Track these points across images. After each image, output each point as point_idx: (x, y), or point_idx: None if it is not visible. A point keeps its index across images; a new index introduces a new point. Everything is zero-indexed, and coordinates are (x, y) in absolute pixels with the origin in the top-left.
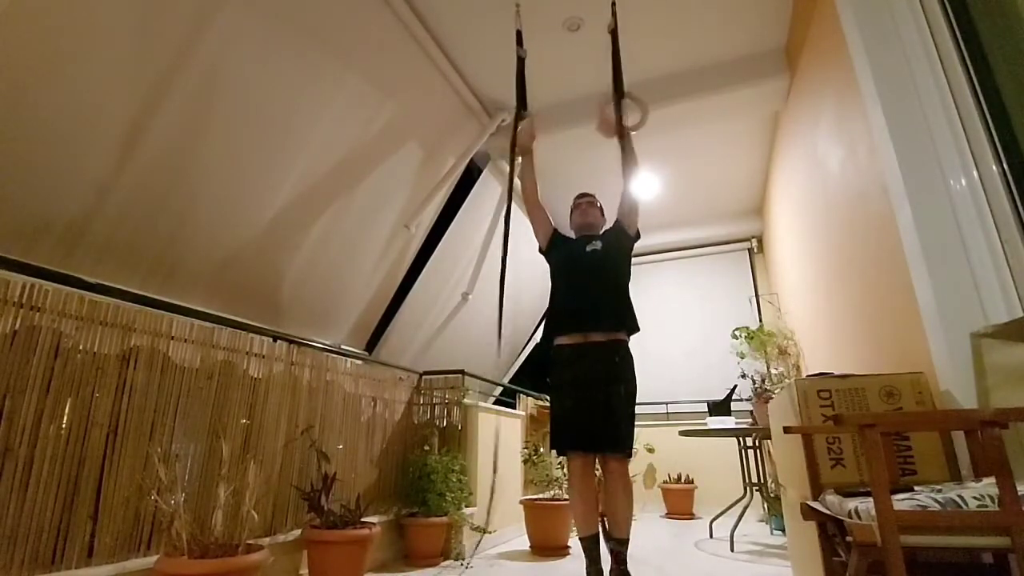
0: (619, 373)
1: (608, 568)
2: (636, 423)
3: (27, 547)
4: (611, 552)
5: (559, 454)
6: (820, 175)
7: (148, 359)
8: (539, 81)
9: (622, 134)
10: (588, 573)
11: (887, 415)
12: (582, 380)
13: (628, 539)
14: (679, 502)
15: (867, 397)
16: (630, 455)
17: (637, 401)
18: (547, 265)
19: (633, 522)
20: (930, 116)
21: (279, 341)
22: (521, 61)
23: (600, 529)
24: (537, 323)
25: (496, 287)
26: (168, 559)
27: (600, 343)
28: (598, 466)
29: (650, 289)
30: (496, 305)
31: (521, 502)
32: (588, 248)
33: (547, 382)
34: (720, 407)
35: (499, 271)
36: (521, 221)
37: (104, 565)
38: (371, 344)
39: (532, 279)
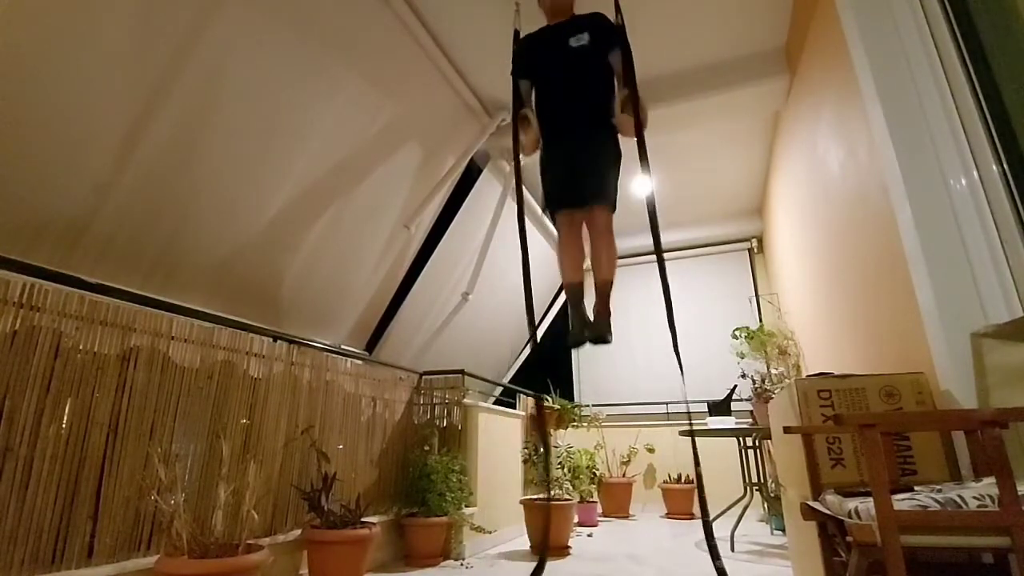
0: (599, 142)
1: (592, 307)
2: (642, 424)
3: (27, 547)
4: (596, 291)
5: (552, 215)
6: (820, 175)
7: (148, 359)
8: None
9: (640, 128)
10: (572, 316)
11: (887, 415)
12: (565, 153)
13: (612, 280)
14: (679, 502)
15: (867, 397)
16: (614, 201)
17: (637, 401)
18: (546, 266)
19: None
20: (930, 116)
21: (279, 341)
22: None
23: (584, 277)
24: (537, 323)
25: (497, 288)
26: (168, 559)
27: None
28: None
29: (649, 289)
30: (506, 307)
31: (521, 502)
32: (572, 43)
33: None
34: (720, 407)
35: (516, 274)
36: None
37: (104, 565)
38: (371, 344)
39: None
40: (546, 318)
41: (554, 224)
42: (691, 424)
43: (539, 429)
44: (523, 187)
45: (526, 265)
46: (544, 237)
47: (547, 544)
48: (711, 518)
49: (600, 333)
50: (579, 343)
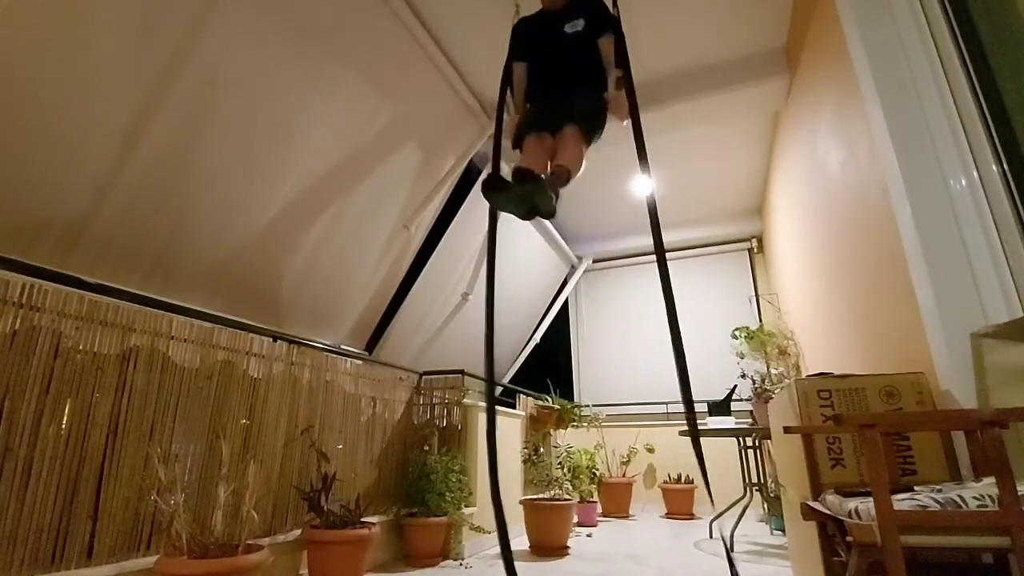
0: (585, 95)
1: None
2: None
3: (27, 547)
4: (550, 171)
5: (518, 147)
6: (820, 175)
7: (148, 359)
8: None
9: (635, 113)
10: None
11: (887, 415)
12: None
13: (570, 170)
14: (679, 502)
15: (867, 397)
16: (589, 135)
17: (637, 401)
18: (545, 266)
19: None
20: (930, 116)
21: (279, 341)
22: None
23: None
24: (537, 323)
25: (498, 288)
26: (168, 559)
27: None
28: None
29: (649, 288)
30: (506, 307)
31: (521, 502)
32: (568, 28)
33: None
34: (720, 407)
35: (515, 275)
36: (515, 224)
37: (104, 565)
38: (371, 344)
39: (530, 276)
40: (545, 319)
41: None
42: (695, 424)
43: (489, 439)
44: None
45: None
46: (541, 234)
47: (508, 550)
48: (712, 519)
49: (537, 201)
50: (495, 187)
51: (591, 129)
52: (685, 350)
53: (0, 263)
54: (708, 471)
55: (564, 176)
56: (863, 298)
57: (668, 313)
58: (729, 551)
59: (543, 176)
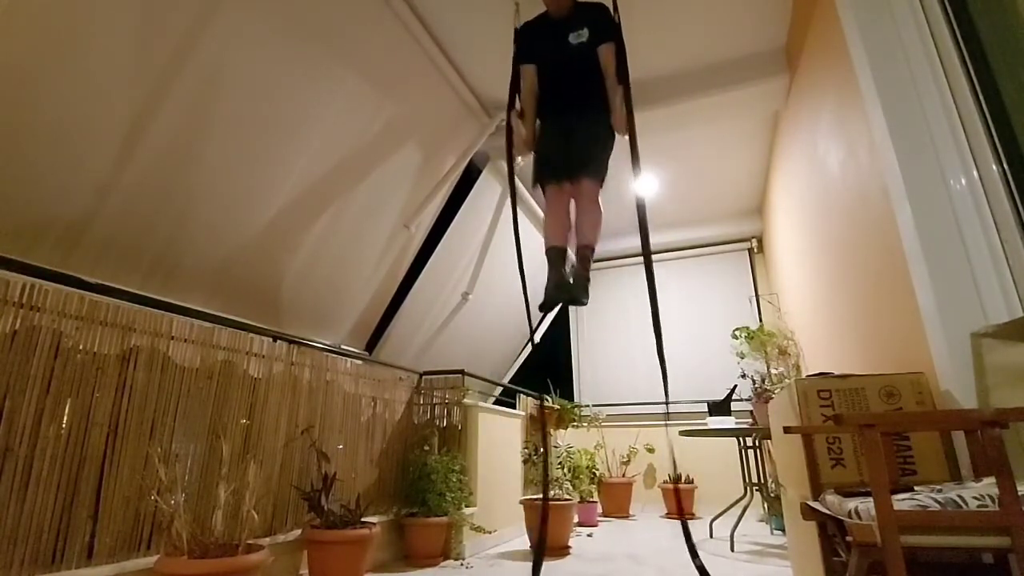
0: (593, 122)
1: (571, 271)
2: (642, 422)
3: (27, 547)
4: (577, 254)
5: (540, 187)
6: (820, 175)
7: (148, 359)
8: None
9: (631, 129)
10: (549, 276)
11: (887, 415)
12: (560, 125)
13: (593, 245)
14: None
15: (867, 397)
16: (602, 174)
17: (637, 401)
18: (546, 265)
19: (598, 236)
20: (930, 116)
21: (279, 341)
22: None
23: (567, 244)
24: (537, 323)
25: (497, 288)
26: (168, 559)
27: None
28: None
29: None
30: (506, 307)
31: (521, 502)
32: (572, 39)
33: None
34: (720, 407)
35: (515, 274)
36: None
37: (104, 565)
38: (371, 344)
39: (531, 277)
40: (545, 318)
41: (544, 196)
42: (667, 426)
43: (541, 430)
44: (516, 181)
45: (519, 252)
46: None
47: (543, 545)
48: (712, 519)
49: (574, 294)
50: (551, 306)
51: (603, 165)
52: (686, 350)
53: (1, 263)
54: (708, 471)
55: (590, 254)
56: (863, 298)
57: (655, 328)
58: (690, 538)
59: (570, 279)
